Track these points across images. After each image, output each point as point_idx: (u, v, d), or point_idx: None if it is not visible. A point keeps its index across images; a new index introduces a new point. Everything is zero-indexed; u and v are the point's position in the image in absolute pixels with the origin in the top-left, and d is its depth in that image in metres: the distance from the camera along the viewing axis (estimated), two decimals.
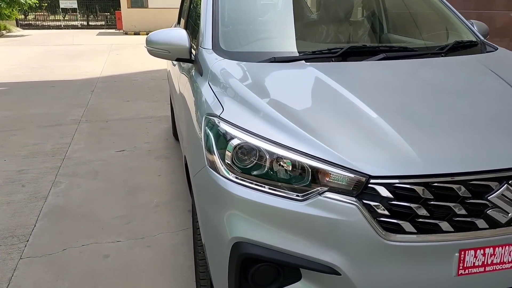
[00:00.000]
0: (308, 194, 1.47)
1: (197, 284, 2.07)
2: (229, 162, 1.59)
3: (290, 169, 1.51)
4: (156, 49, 2.39)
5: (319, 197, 1.45)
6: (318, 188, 1.46)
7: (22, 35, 20.02)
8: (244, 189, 1.54)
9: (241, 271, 1.54)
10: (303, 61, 2.14)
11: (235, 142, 1.58)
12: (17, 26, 25.72)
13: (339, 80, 1.86)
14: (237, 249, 1.54)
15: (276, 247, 1.49)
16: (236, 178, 1.57)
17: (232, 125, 1.63)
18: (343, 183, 1.44)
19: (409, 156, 1.44)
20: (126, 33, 19.99)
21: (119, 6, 21.04)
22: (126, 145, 4.71)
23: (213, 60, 2.12)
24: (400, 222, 1.41)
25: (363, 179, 1.41)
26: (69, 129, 5.28)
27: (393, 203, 1.40)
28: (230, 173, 1.59)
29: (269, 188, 1.52)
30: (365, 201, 1.42)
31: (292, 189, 1.50)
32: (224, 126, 1.65)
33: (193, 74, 2.31)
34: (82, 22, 29.78)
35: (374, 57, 2.11)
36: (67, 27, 27.37)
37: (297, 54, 2.23)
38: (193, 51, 2.44)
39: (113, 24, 25.57)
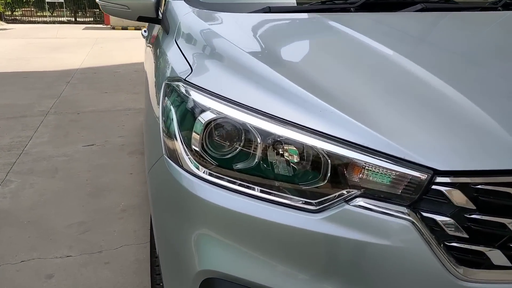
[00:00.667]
0: (326, 201, 0.88)
1: None
2: (197, 149, 0.99)
3: (296, 159, 0.92)
4: (111, 4, 1.78)
5: (346, 207, 0.86)
6: (343, 192, 0.87)
7: (4, 29, 19.21)
8: (221, 192, 0.96)
9: None
10: (310, 13, 1.54)
11: (207, 116, 0.99)
12: (1, 20, 24.88)
13: (366, 33, 1.26)
14: None
15: None
16: (210, 174, 0.98)
17: (203, 92, 1.04)
18: (386, 182, 0.85)
19: (500, 139, 0.85)
20: (113, 28, 19.27)
21: None
22: (97, 139, 4.09)
23: (184, 11, 1.52)
24: (485, 249, 0.82)
25: (424, 176, 0.82)
26: (34, 121, 4.64)
27: (474, 218, 0.82)
28: (199, 166, 1.00)
29: (262, 191, 0.93)
30: (425, 214, 0.83)
31: (300, 192, 0.91)
32: (191, 94, 1.05)
33: (159, 36, 1.71)
34: (70, 18, 28.95)
35: (409, 8, 1.52)
36: (54, 22, 26.58)
37: (301, 4, 1.63)
38: (161, 10, 1.84)
39: (102, 20, 24.82)
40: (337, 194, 0.88)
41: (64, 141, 4.04)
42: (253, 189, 0.95)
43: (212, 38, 1.27)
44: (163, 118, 1.12)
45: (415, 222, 0.83)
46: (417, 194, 0.83)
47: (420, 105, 0.93)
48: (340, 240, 0.86)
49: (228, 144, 0.98)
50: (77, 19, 28.65)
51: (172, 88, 1.13)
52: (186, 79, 1.09)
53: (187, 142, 1.02)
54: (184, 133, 1.03)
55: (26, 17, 28.87)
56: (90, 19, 28.65)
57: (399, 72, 1.05)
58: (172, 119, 1.07)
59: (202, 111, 1.00)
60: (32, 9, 30.92)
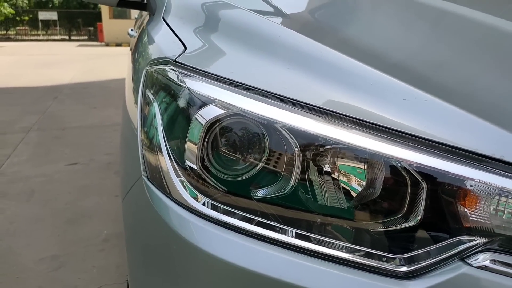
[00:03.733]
0: (423, 257, 0.50)
1: None
2: (194, 167, 0.61)
3: (362, 183, 0.54)
4: None
5: (464, 270, 0.49)
6: (457, 240, 0.49)
7: None
8: (234, 240, 0.58)
9: None
10: None
11: (210, 113, 0.61)
12: None
13: None
14: None
15: None
16: (214, 208, 0.60)
17: (203, 75, 0.66)
18: None
19: None
20: (107, 45, 19.04)
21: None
22: (81, 157, 3.69)
23: None
24: None
25: None
26: (14, 139, 4.24)
27: None
28: (197, 194, 0.61)
29: (300, 237, 0.56)
30: None
31: (370, 241, 0.53)
32: (183, 80, 0.67)
33: (144, 23, 1.34)
34: (64, 36, 28.75)
35: None
36: (48, 40, 26.35)
37: None
38: None
39: (96, 38, 24.64)
40: (444, 245, 0.49)
41: (45, 160, 3.64)
42: (286, 232, 0.57)
43: (216, 4, 0.89)
44: (142, 122, 0.74)
45: None
46: None
47: None
48: None
49: (245, 157, 0.60)
50: (71, 37, 28.46)
51: (155, 75, 0.75)
52: (177, 59, 0.71)
53: (178, 157, 0.63)
54: (173, 142, 0.65)
55: (20, 36, 28.64)
56: (85, 37, 28.49)
57: None
58: (155, 121, 0.69)
59: (202, 105, 0.62)
60: (26, 28, 30.74)
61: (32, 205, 2.77)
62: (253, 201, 0.60)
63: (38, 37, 27.88)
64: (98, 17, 23.77)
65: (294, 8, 0.87)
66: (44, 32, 29.87)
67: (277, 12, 0.85)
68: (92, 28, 28.69)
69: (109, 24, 19.31)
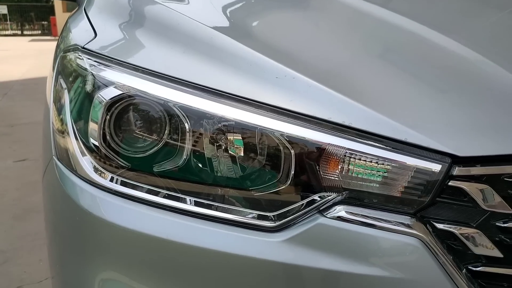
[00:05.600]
0: (290, 213, 0.58)
1: None
2: (97, 145, 0.66)
3: (243, 152, 0.61)
4: None
5: (320, 220, 0.57)
6: (315, 198, 0.57)
7: None
8: (137, 210, 0.64)
9: None
10: None
11: (109, 94, 0.66)
12: None
13: None
14: None
15: None
16: (120, 183, 0.66)
17: (106, 60, 0.71)
18: (379, 179, 0.56)
19: None
20: None
21: None
22: (30, 153, 3.62)
23: None
24: None
25: (436, 168, 0.54)
26: None
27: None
28: (102, 171, 0.67)
29: (197, 204, 0.62)
30: (439, 225, 0.55)
31: (251, 202, 0.61)
32: (88, 65, 0.72)
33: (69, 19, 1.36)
34: (16, 31, 27.53)
35: None
36: None
37: None
38: None
39: (50, 32, 23.77)
40: (305, 201, 0.57)
41: None
42: (184, 201, 0.63)
43: None
44: (55, 105, 0.79)
45: (425, 238, 0.54)
46: (426, 195, 0.54)
47: (420, 65, 0.65)
48: (313, 273, 0.56)
49: (145, 134, 0.66)
50: (24, 32, 27.30)
51: (65, 61, 0.79)
52: (85, 46, 0.76)
53: (83, 135, 0.68)
54: (79, 123, 0.70)
55: None
56: (38, 31, 27.40)
57: (383, 26, 0.77)
58: (64, 104, 0.74)
59: (103, 87, 0.67)
60: None
61: None
62: (154, 176, 0.66)
63: None
64: (51, 10, 22.93)
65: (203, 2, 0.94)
66: None
67: (182, 1, 0.91)
68: (45, 22, 27.62)
69: (63, 18, 18.65)
